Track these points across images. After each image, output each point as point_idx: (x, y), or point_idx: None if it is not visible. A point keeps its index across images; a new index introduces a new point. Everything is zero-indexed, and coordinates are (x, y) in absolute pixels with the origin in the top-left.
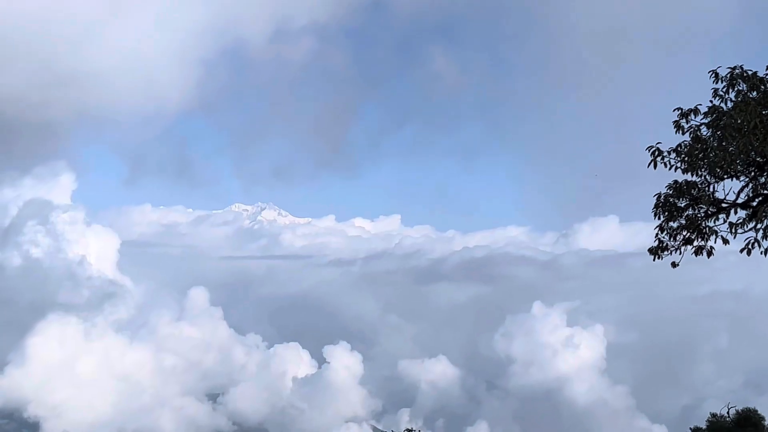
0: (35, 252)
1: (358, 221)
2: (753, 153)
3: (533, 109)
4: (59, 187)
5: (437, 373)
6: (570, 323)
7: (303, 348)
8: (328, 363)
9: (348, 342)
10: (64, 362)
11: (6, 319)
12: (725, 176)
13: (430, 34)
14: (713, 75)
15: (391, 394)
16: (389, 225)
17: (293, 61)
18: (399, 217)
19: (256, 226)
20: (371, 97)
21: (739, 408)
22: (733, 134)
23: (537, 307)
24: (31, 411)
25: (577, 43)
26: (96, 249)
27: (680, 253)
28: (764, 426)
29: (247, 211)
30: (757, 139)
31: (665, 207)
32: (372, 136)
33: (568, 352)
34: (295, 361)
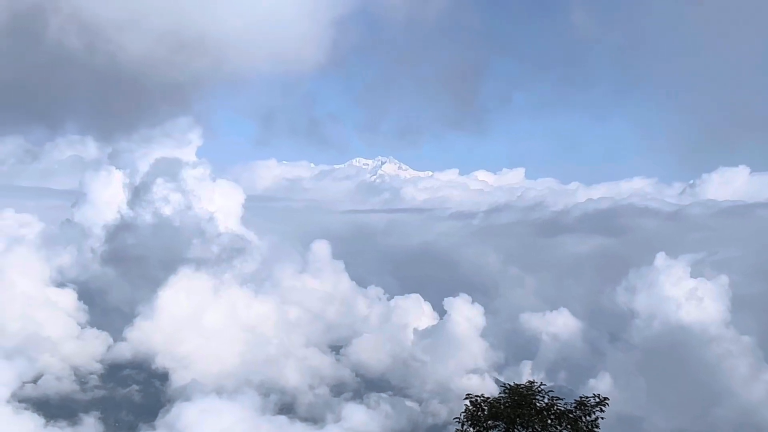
0: (166, 209)
1: (481, 174)
2: None
3: (666, 59)
4: (186, 144)
5: (559, 325)
6: (694, 275)
7: (424, 300)
8: (449, 315)
9: (469, 294)
10: (191, 315)
11: (138, 274)
12: None
13: None
14: None
15: (513, 347)
16: (512, 178)
17: (425, 19)
18: (523, 170)
19: (377, 180)
20: (503, 52)
21: None
22: None
23: (660, 258)
24: (160, 362)
25: None
26: (222, 204)
27: None
28: None
29: (368, 165)
30: None
31: None
32: (501, 92)
33: (692, 304)
34: (417, 313)
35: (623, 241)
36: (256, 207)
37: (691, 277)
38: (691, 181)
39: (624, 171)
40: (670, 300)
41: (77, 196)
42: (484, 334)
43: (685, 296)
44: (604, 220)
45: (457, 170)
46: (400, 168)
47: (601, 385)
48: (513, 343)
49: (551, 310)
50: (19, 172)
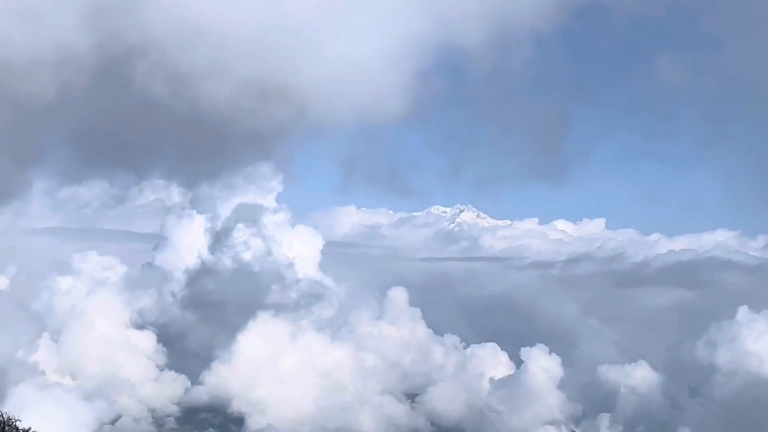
0: (246, 255)
1: (561, 224)
2: None
3: (751, 110)
4: (267, 190)
5: (638, 378)
6: None
7: (501, 349)
8: (526, 365)
9: (546, 345)
10: (268, 360)
11: (217, 319)
12: None
13: (655, 37)
14: None
15: (591, 399)
16: (593, 228)
17: (509, 69)
18: (603, 220)
19: (455, 228)
20: (586, 102)
21: None
22: None
23: (743, 312)
24: (236, 406)
25: None
26: (301, 250)
27: None
28: None
29: (446, 213)
30: None
31: None
32: (584, 142)
33: None
34: (493, 362)
35: (705, 295)
36: (334, 253)
37: None
38: None
39: (707, 223)
40: (753, 355)
41: (159, 240)
42: (561, 386)
43: None
44: (686, 273)
45: (536, 219)
46: (478, 216)
47: None
48: (590, 395)
49: (630, 363)
50: (102, 215)
